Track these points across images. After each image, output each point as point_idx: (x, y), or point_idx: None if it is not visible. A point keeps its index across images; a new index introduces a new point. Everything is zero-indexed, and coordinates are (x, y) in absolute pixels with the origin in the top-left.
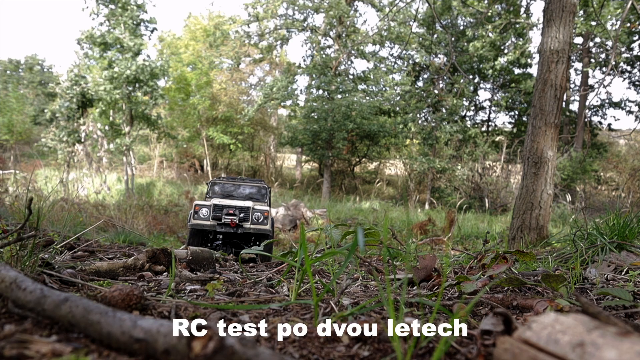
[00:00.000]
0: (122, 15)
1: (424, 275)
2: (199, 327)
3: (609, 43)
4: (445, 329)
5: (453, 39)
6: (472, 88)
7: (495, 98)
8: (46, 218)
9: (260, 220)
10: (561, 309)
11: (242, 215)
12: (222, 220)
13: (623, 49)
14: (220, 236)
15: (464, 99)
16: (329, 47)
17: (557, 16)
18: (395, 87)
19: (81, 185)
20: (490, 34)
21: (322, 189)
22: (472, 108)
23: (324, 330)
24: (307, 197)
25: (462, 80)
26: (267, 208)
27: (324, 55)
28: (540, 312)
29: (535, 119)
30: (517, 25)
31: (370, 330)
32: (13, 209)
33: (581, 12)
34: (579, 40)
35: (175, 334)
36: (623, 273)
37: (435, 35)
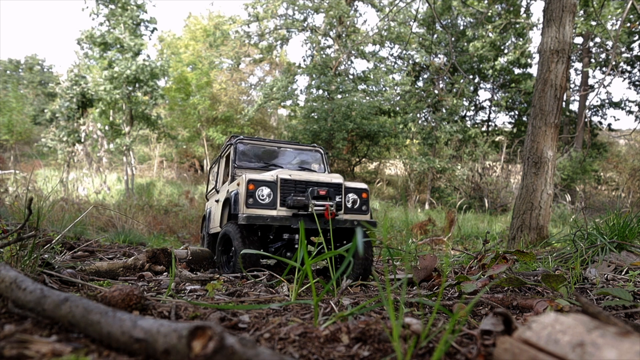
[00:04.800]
0: (122, 15)
1: (424, 275)
2: (199, 327)
3: (609, 43)
4: (445, 329)
5: (453, 39)
6: (472, 88)
7: (495, 98)
8: (46, 218)
9: (357, 206)
10: (561, 309)
11: (337, 199)
12: (309, 210)
13: (623, 49)
14: (296, 236)
15: (464, 99)
16: (329, 47)
17: (557, 16)
18: (395, 87)
19: (81, 185)
20: (490, 34)
21: None
22: (472, 108)
23: (324, 330)
24: None
25: (462, 80)
26: (364, 186)
27: (324, 55)
28: (540, 312)
29: (535, 119)
30: (517, 25)
31: (370, 330)
32: (13, 209)
33: (581, 12)
34: (579, 40)
35: (176, 334)
36: (623, 273)
37: (435, 35)
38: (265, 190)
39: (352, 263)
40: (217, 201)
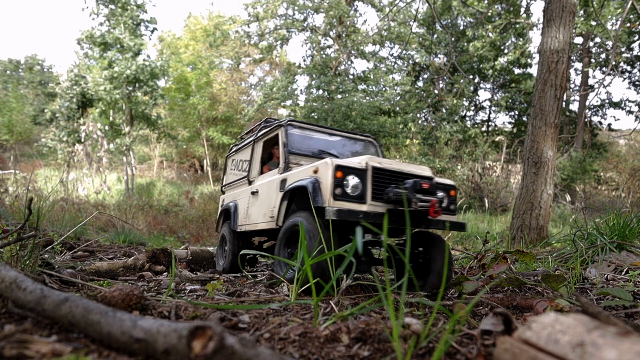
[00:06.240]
0: (122, 15)
1: None
2: (199, 327)
3: (609, 43)
4: (445, 329)
5: (453, 39)
6: (472, 88)
7: (495, 98)
8: (46, 218)
9: (445, 205)
10: (561, 309)
11: (439, 194)
12: (413, 205)
13: (623, 49)
14: (381, 236)
15: (464, 99)
16: (329, 47)
17: (557, 16)
18: (395, 87)
19: (81, 185)
20: (490, 34)
21: None
22: (472, 108)
23: (324, 330)
24: None
25: (462, 80)
26: (452, 182)
27: (324, 55)
28: (540, 312)
29: (535, 119)
30: (517, 25)
31: (370, 330)
32: (13, 209)
33: (581, 12)
34: (579, 40)
35: (176, 334)
36: (623, 273)
37: (435, 35)
38: (354, 180)
39: (432, 271)
40: (253, 193)
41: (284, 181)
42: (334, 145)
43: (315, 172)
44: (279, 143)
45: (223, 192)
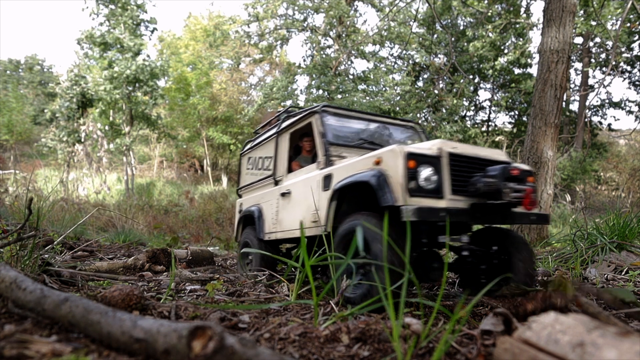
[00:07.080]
0: (122, 15)
1: None
2: (199, 327)
3: (609, 43)
4: (445, 329)
5: (453, 39)
6: (472, 88)
7: (495, 98)
8: (46, 218)
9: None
10: None
11: (529, 182)
12: (506, 197)
13: (623, 49)
14: (464, 238)
15: (464, 99)
16: (329, 47)
17: (557, 16)
18: (395, 87)
19: (81, 185)
20: (490, 34)
21: None
22: (472, 108)
23: (324, 330)
24: None
25: (462, 80)
26: (528, 167)
27: (324, 55)
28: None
29: (535, 119)
30: (517, 25)
31: (370, 330)
32: (13, 209)
33: (581, 12)
34: (579, 40)
35: (176, 334)
36: (623, 273)
37: (435, 35)
38: (428, 171)
39: (513, 274)
40: (283, 194)
41: (328, 177)
42: (374, 133)
43: (378, 163)
44: (310, 134)
45: (239, 196)
